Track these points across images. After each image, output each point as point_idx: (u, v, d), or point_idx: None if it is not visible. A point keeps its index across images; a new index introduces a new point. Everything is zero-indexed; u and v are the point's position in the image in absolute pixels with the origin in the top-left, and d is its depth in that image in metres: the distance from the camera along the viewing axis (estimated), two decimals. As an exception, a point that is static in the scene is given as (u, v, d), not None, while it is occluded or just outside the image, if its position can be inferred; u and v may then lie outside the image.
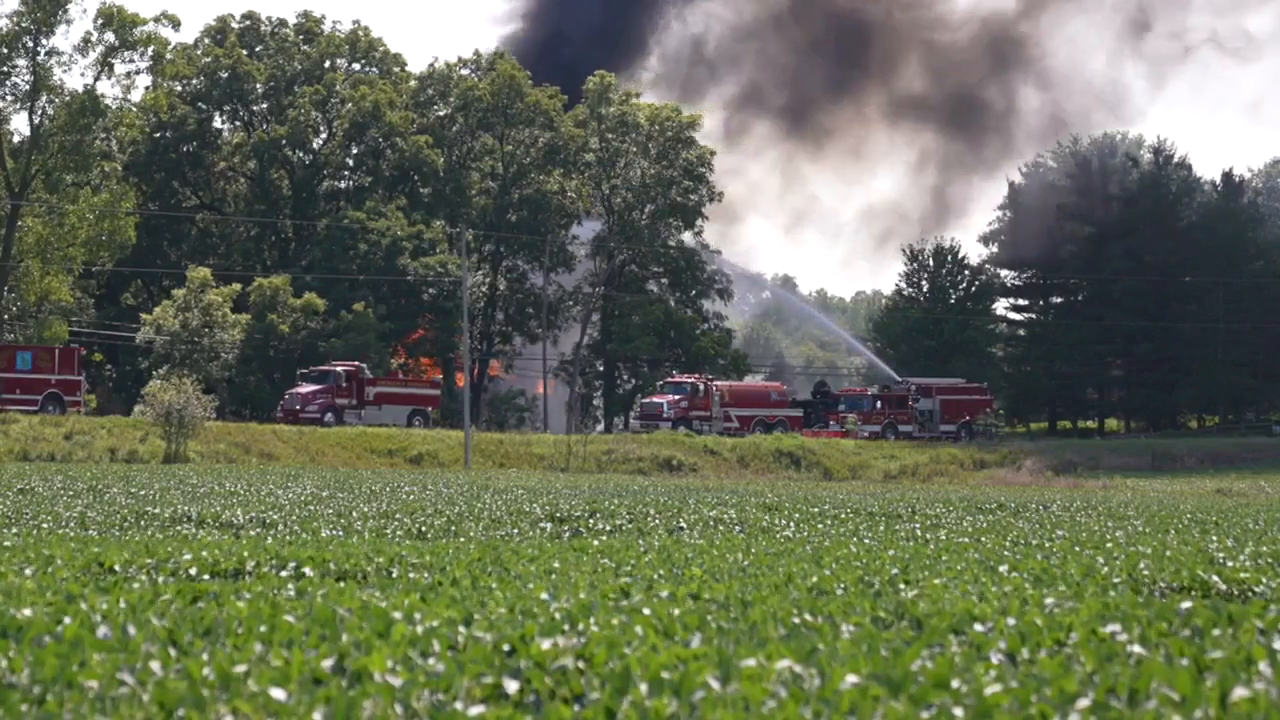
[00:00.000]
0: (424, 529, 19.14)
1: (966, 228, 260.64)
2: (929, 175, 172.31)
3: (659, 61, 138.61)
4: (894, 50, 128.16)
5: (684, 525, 20.95)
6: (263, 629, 7.33)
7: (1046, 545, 16.90)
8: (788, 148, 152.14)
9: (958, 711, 5.45)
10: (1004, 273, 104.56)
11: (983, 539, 18.34)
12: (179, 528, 18.78)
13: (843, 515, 24.19)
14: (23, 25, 72.11)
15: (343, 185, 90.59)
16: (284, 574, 11.37)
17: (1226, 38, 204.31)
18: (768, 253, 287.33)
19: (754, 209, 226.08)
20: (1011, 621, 7.97)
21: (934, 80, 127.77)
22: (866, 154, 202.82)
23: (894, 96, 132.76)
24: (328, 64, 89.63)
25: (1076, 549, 15.93)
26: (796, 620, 8.20)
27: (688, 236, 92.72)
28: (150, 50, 74.02)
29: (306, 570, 11.51)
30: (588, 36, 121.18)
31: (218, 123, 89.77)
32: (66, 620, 7.42)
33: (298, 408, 64.91)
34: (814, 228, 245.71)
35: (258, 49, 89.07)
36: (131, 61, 74.24)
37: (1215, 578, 11.80)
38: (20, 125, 77.25)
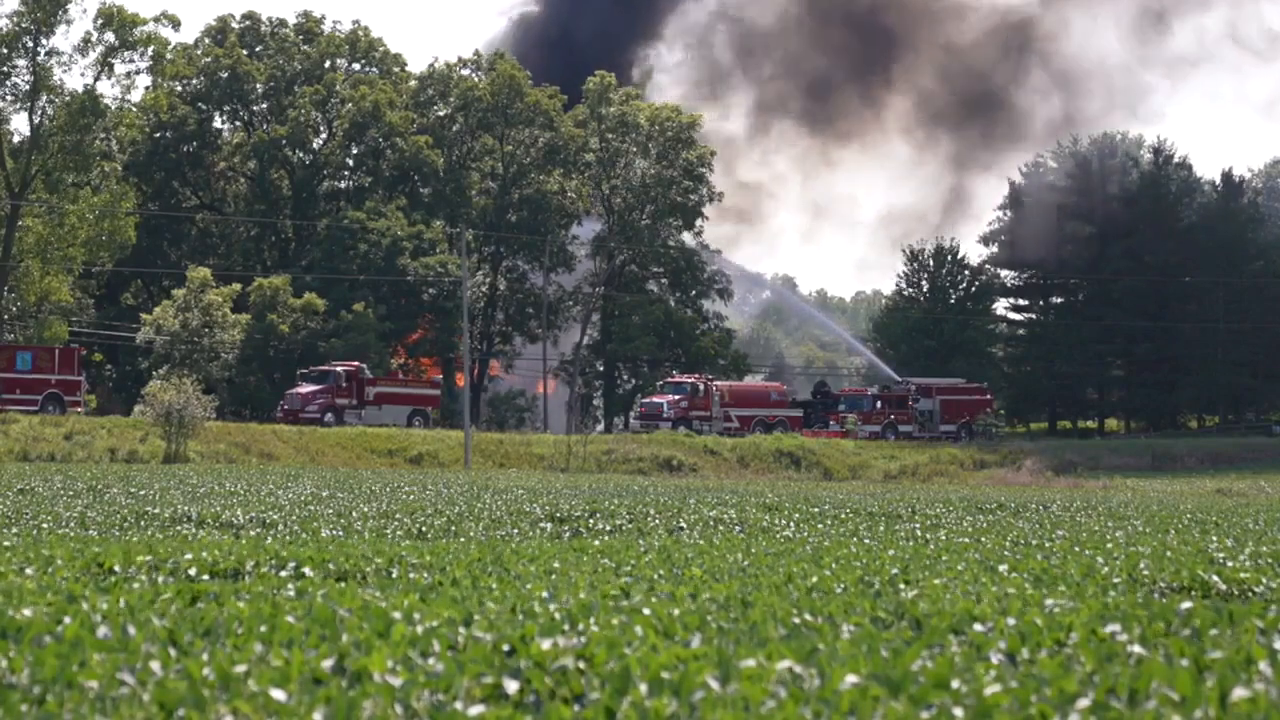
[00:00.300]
0: (424, 529, 19.14)
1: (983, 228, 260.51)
2: (947, 175, 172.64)
3: (677, 52, 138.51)
4: (912, 50, 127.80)
5: (684, 525, 20.94)
6: (263, 629, 7.33)
7: (1046, 545, 16.89)
8: (807, 147, 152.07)
9: (958, 711, 5.45)
10: (1004, 273, 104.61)
11: (983, 539, 18.33)
12: (179, 528, 18.78)
13: (843, 515, 24.18)
14: (23, 25, 72.12)
15: (343, 185, 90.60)
16: (284, 574, 11.36)
17: (1246, 36, 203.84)
18: (786, 249, 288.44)
19: (774, 206, 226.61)
20: (1011, 621, 7.97)
21: (952, 79, 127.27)
22: (885, 154, 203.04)
23: (912, 97, 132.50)
24: (328, 64, 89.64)
25: (1076, 549, 15.93)
26: (796, 620, 8.20)
27: (688, 236, 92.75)
28: (150, 50, 74.04)
29: (306, 570, 11.50)
30: (600, 34, 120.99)
31: (218, 123, 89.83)
32: (66, 620, 7.42)
33: (298, 408, 64.93)
34: (833, 225, 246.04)
35: (258, 49, 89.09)
36: (131, 61, 74.34)
37: (1215, 578, 11.80)
38: (20, 125, 77.39)
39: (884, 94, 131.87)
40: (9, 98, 73.79)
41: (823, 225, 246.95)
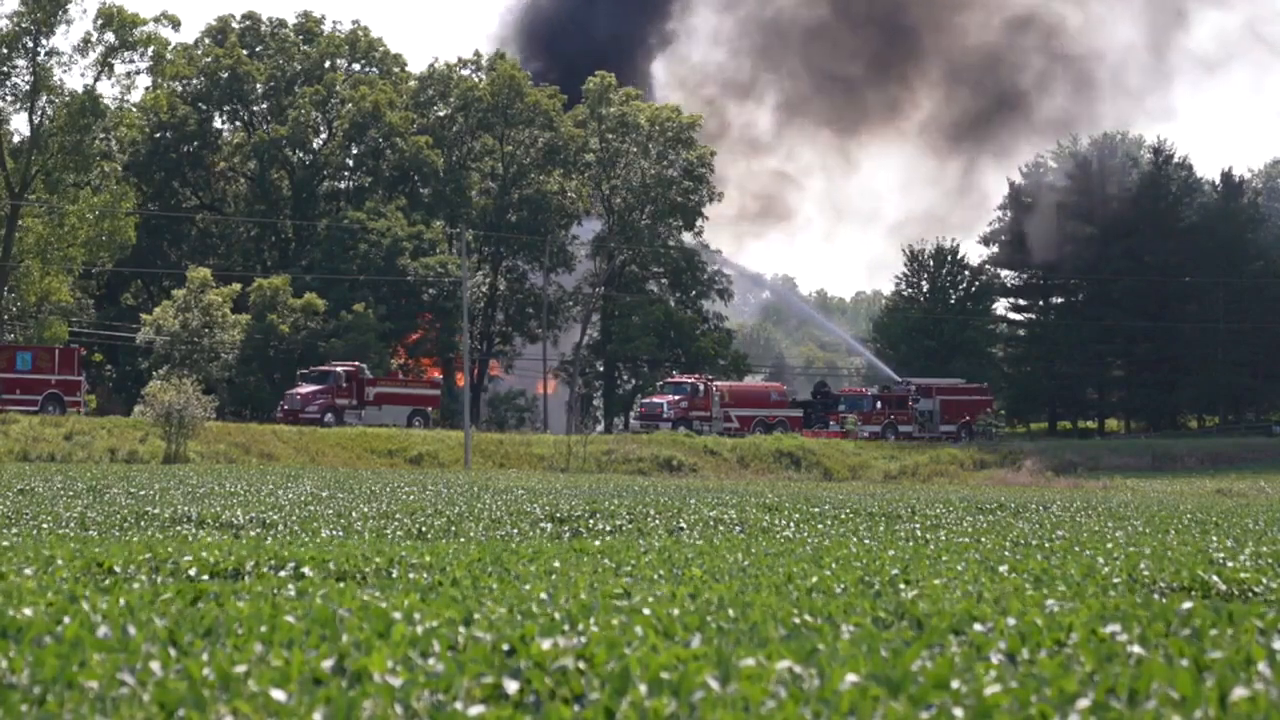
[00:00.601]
0: (424, 529, 19.14)
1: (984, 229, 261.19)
2: (966, 175, 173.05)
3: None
4: (931, 49, 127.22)
5: (684, 525, 20.94)
6: (263, 629, 7.33)
7: (1046, 545, 16.90)
8: (828, 145, 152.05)
9: (958, 711, 5.45)
10: (1004, 273, 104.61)
11: (983, 539, 18.33)
12: (179, 528, 18.78)
13: (843, 515, 24.18)
14: (23, 25, 72.12)
15: (343, 185, 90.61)
16: (284, 574, 11.36)
17: (1267, 33, 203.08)
18: (807, 245, 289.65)
19: (799, 198, 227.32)
20: (1011, 621, 7.97)
21: (972, 79, 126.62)
22: (904, 153, 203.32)
23: (931, 96, 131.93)
24: (328, 64, 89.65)
25: (1076, 549, 15.93)
26: (796, 620, 8.20)
27: (688, 237, 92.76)
28: (150, 50, 74.03)
29: (306, 570, 11.51)
30: (612, 37, 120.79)
31: (218, 123, 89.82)
32: (66, 620, 7.42)
33: (298, 408, 64.92)
34: (853, 224, 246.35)
35: (258, 49, 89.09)
36: (131, 62, 74.33)
37: (1215, 578, 11.80)
38: (20, 125, 77.39)
39: (903, 93, 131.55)
40: (9, 98, 73.84)
41: (843, 223, 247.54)
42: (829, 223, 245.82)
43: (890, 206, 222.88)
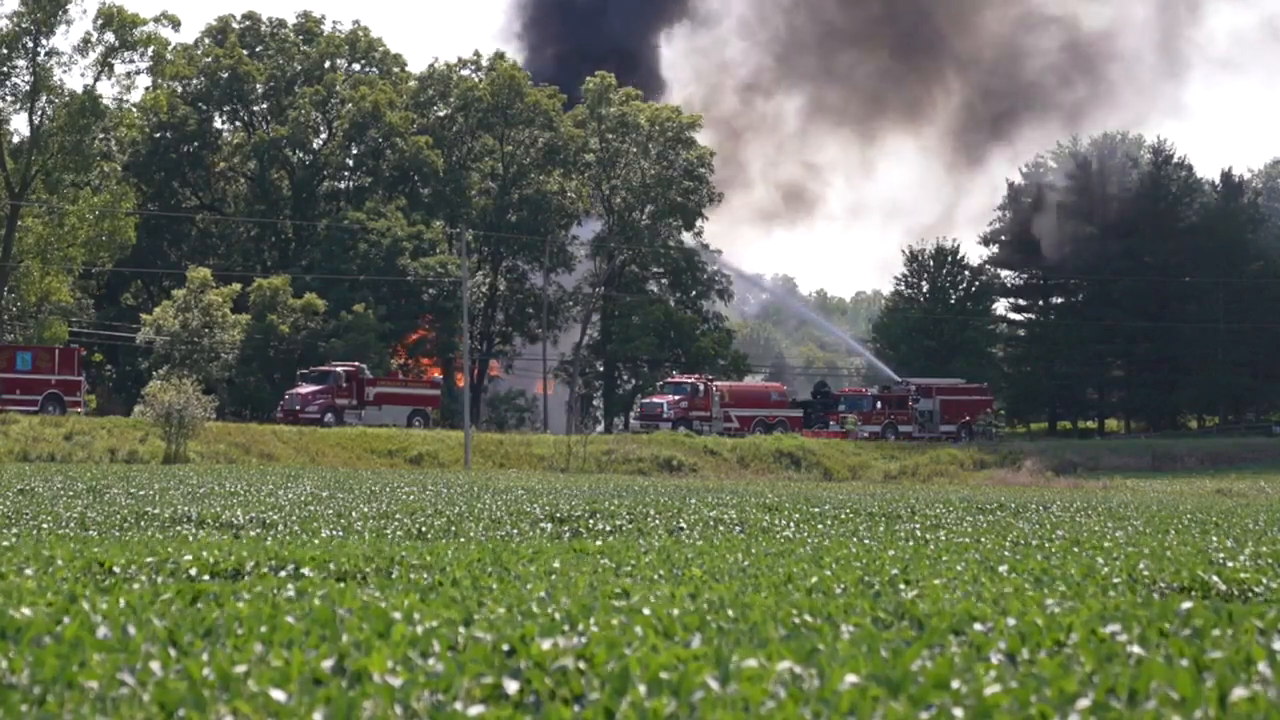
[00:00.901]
0: (424, 529, 19.14)
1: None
2: (978, 174, 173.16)
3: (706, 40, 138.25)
4: (946, 51, 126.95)
5: (684, 525, 20.93)
6: (263, 629, 7.32)
7: (1046, 545, 16.89)
8: (846, 142, 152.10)
9: (958, 711, 5.45)
10: (1004, 273, 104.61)
11: (983, 539, 18.33)
12: (179, 528, 18.78)
13: (843, 515, 24.18)
14: (23, 25, 72.15)
15: (343, 185, 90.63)
16: (284, 574, 11.36)
17: None
18: (824, 241, 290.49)
19: (821, 192, 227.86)
20: (1011, 621, 7.96)
21: (986, 78, 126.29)
22: (917, 152, 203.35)
23: (944, 95, 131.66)
24: (328, 64, 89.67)
25: (1076, 549, 15.93)
26: (796, 620, 8.20)
27: (688, 237, 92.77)
28: (150, 50, 74.09)
29: (306, 571, 11.50)
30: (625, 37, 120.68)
31: (218, 123, 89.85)
32: (66, 620, 7.42)
33: (298, 408, 64.91)
34: (869, 222, 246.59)
35: (258, 49, 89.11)
36: (131, 62, 74.41)
37: (1215, 578, 11.80)
38: (20, 125, 77.41)
39: (922, 93, 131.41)
40: (9, 98, 73.87)
41: (861, 219, 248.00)
42: (849, 216, 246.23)
43: (908, 204, 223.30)
